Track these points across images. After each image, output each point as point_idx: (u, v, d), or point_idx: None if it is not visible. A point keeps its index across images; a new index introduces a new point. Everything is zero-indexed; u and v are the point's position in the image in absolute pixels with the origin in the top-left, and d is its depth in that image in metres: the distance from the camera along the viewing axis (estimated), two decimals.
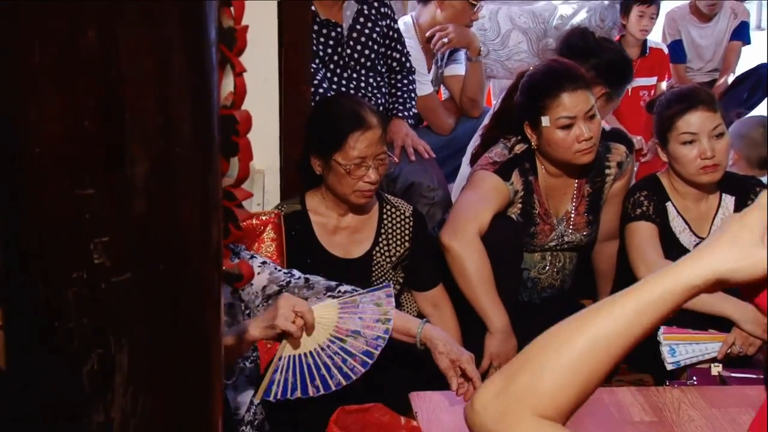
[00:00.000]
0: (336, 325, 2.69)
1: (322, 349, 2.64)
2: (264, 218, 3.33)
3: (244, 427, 2.66)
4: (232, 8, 1.38)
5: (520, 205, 3.69)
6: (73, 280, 1.21)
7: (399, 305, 3.41)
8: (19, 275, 1.25)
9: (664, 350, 3.41)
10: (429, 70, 5.01)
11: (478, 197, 3.58)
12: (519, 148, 3.73)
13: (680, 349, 3.40)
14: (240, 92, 1.42)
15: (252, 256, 2.87)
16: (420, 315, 3.43)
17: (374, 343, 2.68)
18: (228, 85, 1.39)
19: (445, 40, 4.82)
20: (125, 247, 1.21)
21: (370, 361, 2.66)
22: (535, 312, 3.77)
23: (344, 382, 2.65)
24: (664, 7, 7.03)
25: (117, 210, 1.20)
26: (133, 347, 1.23)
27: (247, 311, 2.81)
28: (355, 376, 2.67)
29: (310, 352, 2.63)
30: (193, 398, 1.31)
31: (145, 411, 1.25)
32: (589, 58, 4.19)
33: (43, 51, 1.11)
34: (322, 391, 2.62)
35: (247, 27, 1.40)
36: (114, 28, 1.10)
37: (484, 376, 3.08)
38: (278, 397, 2.58)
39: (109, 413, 1.24)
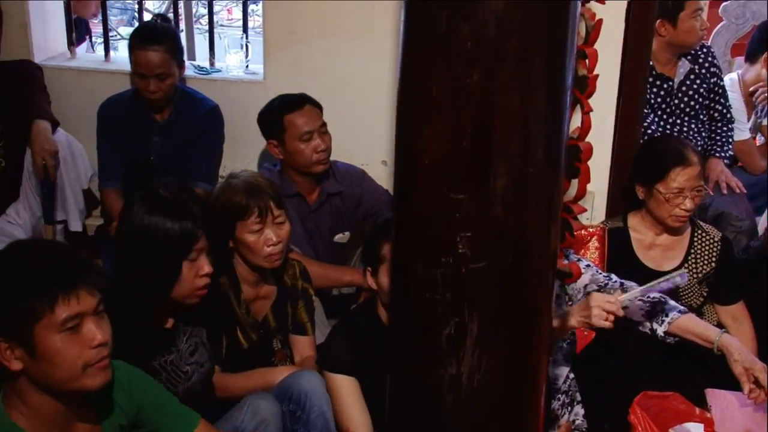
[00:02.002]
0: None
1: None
2: (591, 230, 3.32)
3: (560, 395, 2.63)
4: (587, 60, 1.37)
5: None
6: (441, 263, 1.26)
7: (701, 315, 3.20)
8: (403, 255, 1.33)
9: None
10: (748, 120, 4.70)
11: None
12: None
13: None
14: (585, 128, 1.41)
15: (579, 259, 2.83)
16: (719, 325, 3.19)
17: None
18: (576, 120, 1.38)
19: (767, 95, 4.54)
20: (483, 241, 1.24)
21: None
22: None
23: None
24: None
25: (480, 212, 1.23)
26: (482, 319, 1.26)
27: (570, 302, 2.78)
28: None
29: None
30: (525, 364, 1.32)
31: (487, 369, 1.28)
32: None
33: (440, 87, 1.17)
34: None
35: (597, 76, 1.39)
36: (494, 72, 1.14)
37: None
38: None
39: (459, 368, 1.28)
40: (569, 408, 2.59)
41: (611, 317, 2.45)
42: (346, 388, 2.25)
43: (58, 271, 1.55)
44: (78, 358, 1.55)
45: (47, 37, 3.75)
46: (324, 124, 2.96)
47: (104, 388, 1.69)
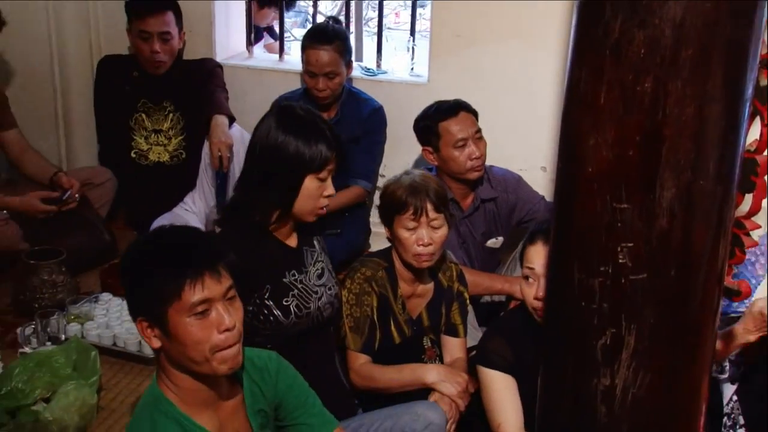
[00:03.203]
0: None
1: None
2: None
3: (723, 418, 2.49)
4: None
5: None
6: (600, 272, 1.24)
7: None
8: (560, 260, 1.31)
9: None
10: None
11: None
12: None
13: None
14: (765, 140, 1.34)
15: (753, 277, 2.67)
16: None
17: None
18: (754, 132, 1.32)
19: None
20: (645, 253, 1.21)
21: None
22: None
23: None
24: None
25: (643, 223, 1.20)
26: (640, 332, 1.23)
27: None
28: None
29: None
30: (684, 382, 1.27)
31: (643, 384, 1.24)
32: None
33: (608, 95, 1.14)
34: None
35: None
36: (667, 80, 1.10)
37: None
38: None
39: (614, 380, 1.25)
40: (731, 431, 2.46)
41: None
42: (501, 385, 2.23)
43: (186, 257, 1.60)
44: (206, 342, 1.59)
45: (229, 38, 3.97)
46: (479, 131, 2.94)
47: (254, 373, 1.76)
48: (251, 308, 2.13)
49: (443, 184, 2.52)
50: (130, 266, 1.65)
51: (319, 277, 2.28)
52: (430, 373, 2.35)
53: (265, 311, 2.15)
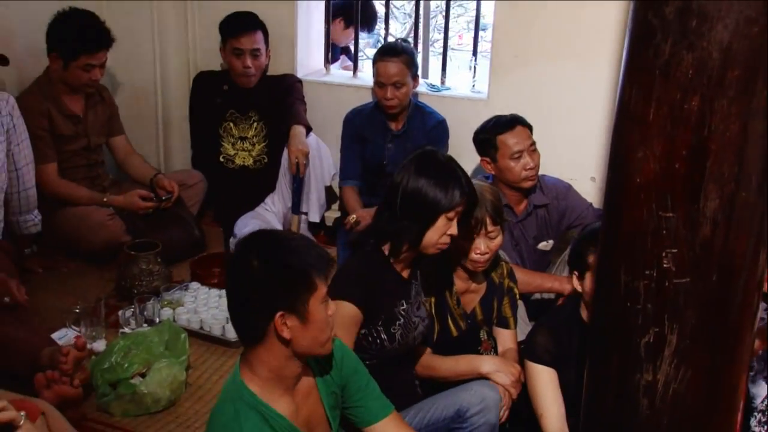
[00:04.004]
0: None
1: None
2: None
3: (756, 413, 2.41)
4: None
5: None
6: (645, 275, 1.22)
7: None
8: (608, 265, 1.29)
9: None
10: None
11: None
12: None
13: None
14: None
15: None
16: None
17: None
18: None
19: None
20: (689, 258, 1.18)
21: None
22: None
23: None
24: None
25: (687, 231, 1.17)
26: (682, 332, 1.20)
27: None
28: None
29: None
30: (723, 379, 1.24)
31: (683, 380, 1.21)
32: None
33: (657, 111, 1.12)
34: None
35: None
36: (713, 99, 1.08)
37: None
38: None
39: (656, 375, 1.23)
40: (765, 427, 2.38)
41: None
42: (545, 378, 2.21)
43: (321, 254, 1.70)
44: (331, 327, 1.71)
45: (309, 57, 4.02)
46: (533, 143, 2.92)
47: (322, 359, 1.81)
48: (363, 330, 2.14)
49: (499, 193, 2.50)
50: (283, 267, 1.67)
51: (418, 308, 2.27)
52: (485, 364, 2.34)
53: (374, 335, 2.16)
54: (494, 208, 2.35)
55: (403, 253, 2.16)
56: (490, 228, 2.34)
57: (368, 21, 4.41)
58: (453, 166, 2.17)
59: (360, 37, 4.11)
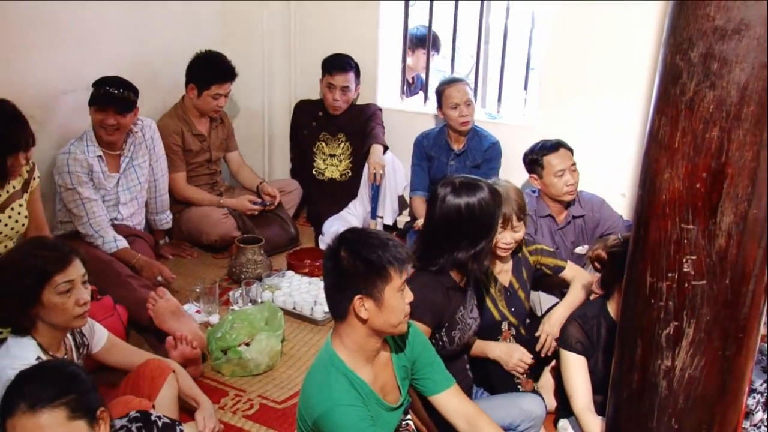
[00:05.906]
0: None
1: None
2: None
3: (755, 394, 2.30)
4: None
5: None
6: (668, 277, 1.20)
7: None
8: (636, 266, 1.27)
9: None
10: None
11: None
12: None
13: None
14: None
15: None
16: None
17: None
18: None
19: None
20: (706, 264, 1.17)
21: None
22: None
23: None
24: None
25: (705, 241, 1.15)
26: (698, 326, 1.18)
27: None
28: None
29: None
30: (732, 367, 1.21)
31: (698, 366, 1.19)
32: None
33: (682, 139, 1.11)
34: None
35: None
36: (731, 130, 1.06)
37: None
38: None
39: (674, 362, 1.21)
40: (763, 407, 2.27)
41: None
42: (576, 365, 2.18)
43: (399, 250, 1.67)
44: (405, 313, 1.70)
45: (388, 88, 4.06)
46: (574, 164, 2.88)
47: (397, 337, 1.81)
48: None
49: (522, 193, 2.47)
50: (363, 259, 1.66)
51: (472, 310, 2.22)
52: (493, 350, 2.31)
53: (437, 337, 2.11)
54: (519, 207, 2.36)
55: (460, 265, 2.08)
56: (515, 223, 2.34)
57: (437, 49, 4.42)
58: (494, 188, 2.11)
59: (432, 67, 4.13)
